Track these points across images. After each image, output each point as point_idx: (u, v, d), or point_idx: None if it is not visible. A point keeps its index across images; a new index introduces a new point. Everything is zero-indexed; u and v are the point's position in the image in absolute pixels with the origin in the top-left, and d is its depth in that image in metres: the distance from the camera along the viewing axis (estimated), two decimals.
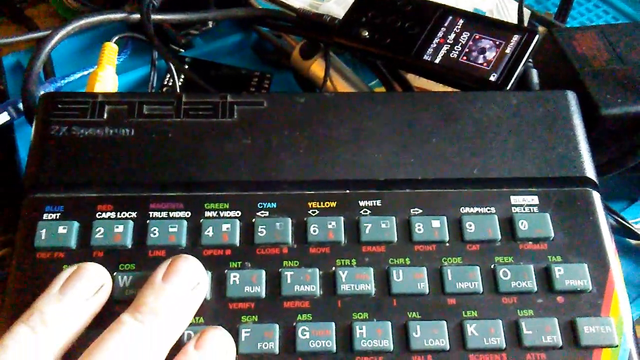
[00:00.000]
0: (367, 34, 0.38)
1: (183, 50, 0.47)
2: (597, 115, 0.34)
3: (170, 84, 0.43)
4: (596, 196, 0.31)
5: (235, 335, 0.27)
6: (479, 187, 0.31)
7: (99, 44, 0.39)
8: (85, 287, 0.25)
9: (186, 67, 0.43)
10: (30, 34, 0.44)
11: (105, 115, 0.31)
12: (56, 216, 0.29)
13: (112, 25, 0.45)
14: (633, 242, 0.37)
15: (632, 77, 0.35)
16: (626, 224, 0.36)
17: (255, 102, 0.32)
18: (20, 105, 0.36)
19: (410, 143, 0.31)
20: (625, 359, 0.27)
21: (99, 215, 0.29)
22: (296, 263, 0.29)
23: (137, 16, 0.41)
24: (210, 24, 0.46)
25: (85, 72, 0.40)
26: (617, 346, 0.27)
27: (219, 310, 0.27)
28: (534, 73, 0.36)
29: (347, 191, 0.30)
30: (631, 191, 0.40)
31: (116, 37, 0.40)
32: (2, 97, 0.40)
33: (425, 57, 0.36)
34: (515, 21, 0.44)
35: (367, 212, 0.30)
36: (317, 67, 0.42)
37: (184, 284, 0.25)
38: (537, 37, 0.35)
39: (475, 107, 0.32)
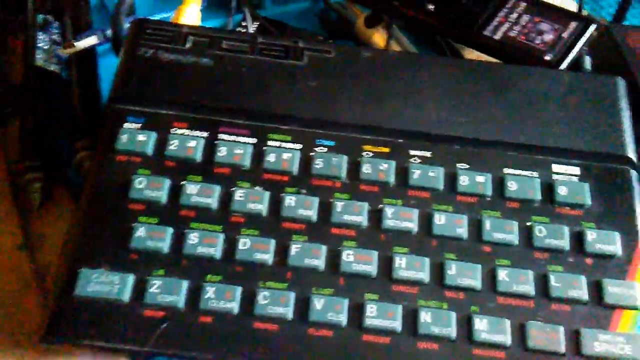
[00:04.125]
0: (432, 7, 0.40)
1: None
2: None
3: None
4: (634, 175, 0.32)
5: (286, 250, 0.29)
6: (525, 152, 0.33)
7: None
8: None
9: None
10: None
11: (189, 45, 0.34)
12: (137, 126, 0.32)
13: None
14: None
15: None
16: None
17: (324, 50, 0.35)
18: (108, 33, 0.39)
19: (464, 104, 0.34)
20: None
21: (174, 130, 0.32)
22: (347, 196, 0.31)
23: None
24: None
25: (166, 15, 0.43)
26: (638, 309, 0.29)
27: (272, 226, 0.30)
28: (588, 60, 0.37)
29: (401, 140, 0.33)
30: None
31: None
32: (88, 28, 0.43)
33: (486, 33, 0.38)
34: None
35: (417, 160, 0.32)
36: (378, 37, 0.45)
37: None
38: (593, 25, 0.37)
39: (529, 80, 0.34)
